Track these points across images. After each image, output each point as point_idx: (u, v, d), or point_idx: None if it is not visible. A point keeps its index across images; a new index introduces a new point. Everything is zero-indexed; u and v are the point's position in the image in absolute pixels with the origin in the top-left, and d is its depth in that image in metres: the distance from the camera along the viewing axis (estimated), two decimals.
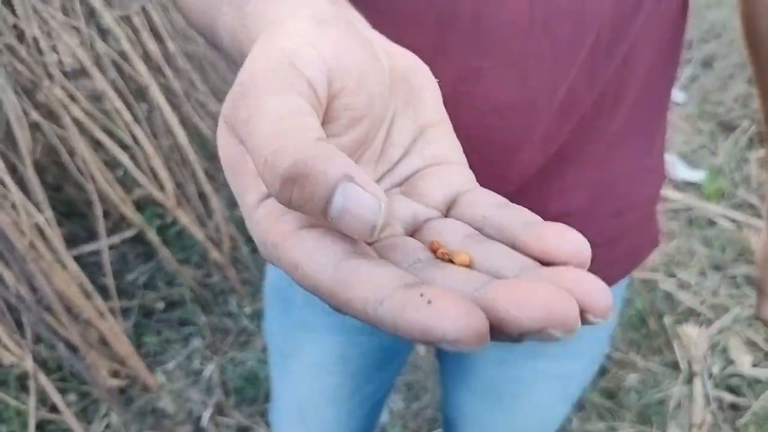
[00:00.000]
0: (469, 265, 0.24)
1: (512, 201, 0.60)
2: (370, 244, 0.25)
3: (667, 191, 2.32)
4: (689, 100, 2.82)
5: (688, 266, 2.00)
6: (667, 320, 1.83)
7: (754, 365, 1.69)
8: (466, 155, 0.52)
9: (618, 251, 0.68)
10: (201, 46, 1.97)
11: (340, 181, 0.21)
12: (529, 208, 0.60)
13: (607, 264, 0.68)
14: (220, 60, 2.06)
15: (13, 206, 1.43)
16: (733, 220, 2.15)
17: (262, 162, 0.22)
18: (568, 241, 0.24)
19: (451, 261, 0.25)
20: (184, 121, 1.84)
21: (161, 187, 1.75)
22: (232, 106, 0.25)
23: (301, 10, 0.28)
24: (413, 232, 0.28)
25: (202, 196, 1.92)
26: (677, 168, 2.44)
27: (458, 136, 0.53)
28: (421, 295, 0.20)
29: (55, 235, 1.51)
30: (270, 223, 0.24)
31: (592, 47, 0.52)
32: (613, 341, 1.79)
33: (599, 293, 0.21)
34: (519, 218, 0.26)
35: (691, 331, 1.77)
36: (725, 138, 2.52)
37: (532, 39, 0.49)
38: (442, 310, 0.19)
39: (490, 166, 0.56)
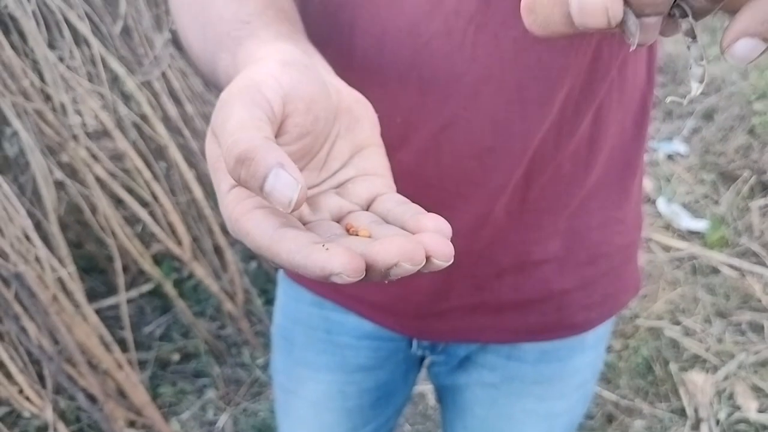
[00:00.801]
0: (369, 237, 0.33)
1: (493, 246, 0.66)
2: (305, 224, 0.35)
3: (671, 241, 2.37)
4: (692, 152, 2.89)
5: (693, 313, 2.03)
6: (673, 367, 1.86)
7: (761, 411, 1.70)
8: (449, 196, 0.59)
9: (594, 295, 0.73)
10: None
11: (274, 166, 0.29)
12: (511, 256, 0.66)
13: (585, 307, 0.73)
14: None
15: (38, 260, 1.51)
16: (737, 268, 2.19)
17: (225, 148, 0.31)
18: (433, 221, 0.33)
19: (356, 234, 0.34)
20: (201, 178, 1.93)
21: (179, 242, 1.82)
22: (214, 115, 0.34)
23: (273, 55, 0.38)
24: (339, 219, 0.37)
25: (217, 250, 1.99)
26: (681, 218, 2.49)
27: (441, 178, 0.60)
28: (324, 246, 0.29)
29: (77, 289, 1.58)
30: (234, 205, 0.33)
31: (561, 105, 0.59)
32: (620, 388, 1.82)
33: (442, 245, 0.31)
34: (410, 210, 0.35)
35: (697, 377, 1.79)
36: (727, 188, 2.58)
37: (503, 95, 0.56)
38: (334, 254, 0.28)
39: (472, 206, 0.63)
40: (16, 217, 1.47)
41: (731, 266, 2.20)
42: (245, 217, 0.32)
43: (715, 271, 2.21)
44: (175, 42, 1.80)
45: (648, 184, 2.72)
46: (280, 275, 0.86)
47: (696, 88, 0.29)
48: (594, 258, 0.71)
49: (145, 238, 2.00)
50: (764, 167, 2.53)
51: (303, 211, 0.36)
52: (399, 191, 0.60)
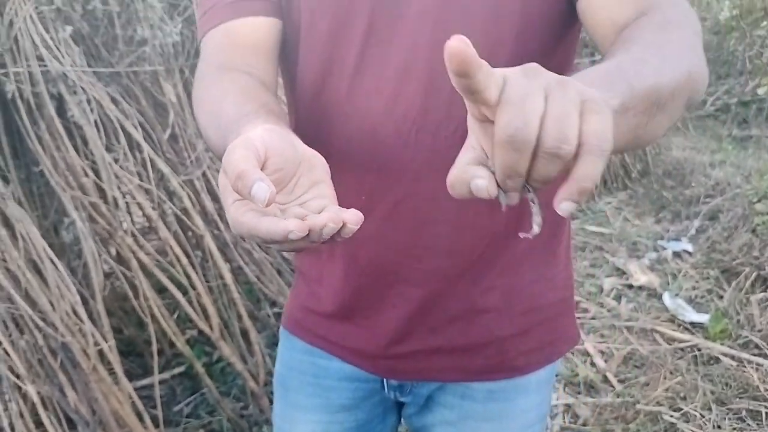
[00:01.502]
0: None
1: (444, 297, 0.83)
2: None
3: (675, 333, 2.47)
4: (698, 250, 3.03)
5: (693, 401, 2.11)
6: None
7: None
8: (405, 256, 0.78)
9: (531, 342, 0.89)
10: None
11: (256, 180, 0.48)
12: (461, 304, 0.84)
13: (523, 352, 0.89)
14: None
15: (83, 334, 1.71)
16: (737, 358, 2.27)
17: (229, 171, 0.50)
18: (351, 215, 0.52)
19: None
20: (233, 268, 2.15)
21: (209, 324, 2.01)
22: (224, 157, 0.54)
23: (260, 125, 0.59)
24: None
25: (244, 334, 2.17)
26: (685, 311, 2.60)
27: (398, 241, 0.78)
28: (285, 219, 0.50)
29: (116, 361, 1.77)
30: (235, 210, 0.52)
31: None
32: None
33: (353, 216, 0.51)
34: (340, 212, 0.53)
35: None
36: (730, 283, 2.69)
37: (440, 179, 0.76)
38: (290, 222, 0.48)
39: (424, 264, 0.81)
40: (67, 294, 1.69)
41: (732, 356, 2.29)
42: (242, 215, 0.51)
43: (716, 360, 2.29)
44: None
45: (655, 280, 2.85)
46: (281, 331, 1.04)
47: (536, 231, 0.48)
48: (529, 310, 0.88)
49: (180, 323, 2.20)
50: (765, 264, 2.64)
51: (276, 214, 0.56)
52: (366, 252, 0.80)
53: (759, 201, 3.02)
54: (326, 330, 0.93)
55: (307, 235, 0.49)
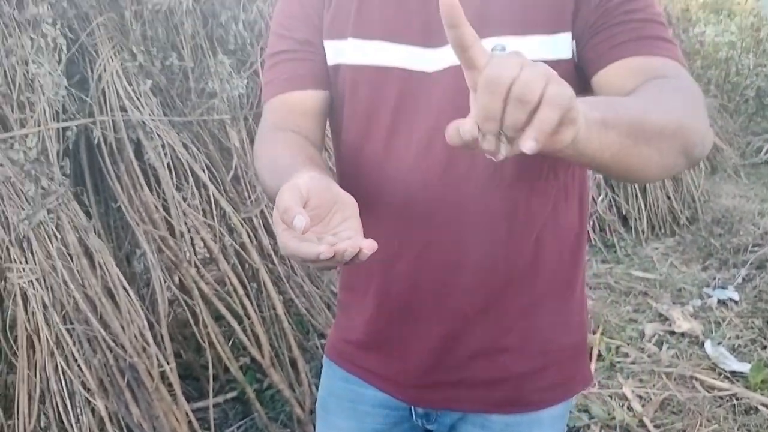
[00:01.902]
0: None
1: (467, 335, 0.95)
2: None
3: (715, 381, 2.49)
4: (743, 299, 3.03)
5: None
6: None
7: None
8: (433, 295, 0.92)
9: (545, 380, 0.99)
10: None
11: (296, 213, 0.64)
12: (483, 342, 0.97)
13: (538, 389, 1.00)
14: None
15: (148, 356, 1.88)
16: None
17: (278, 207, 0.66)
18: (366, 243, 0.68)
19: None
20: (285, 300, 2.30)
21: (261, 352, 2.16)
22: (276, 197, 0.69)
23: (305, 173, 0.74)
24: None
25: (293, 362, 2.31)
26: (727, 360, 2.62)
27: (428, 281, 0.91)
28: (318, 243, 0.68)
29: (176, 383, 1.94)
30: (284, 236, 0.67)
31: (506, 235, 0.90)
32: None
33: (367, 245, 0.67)
34: (359, 241, 0.69)
35: None
36: None
37: (466, 225, 0.89)
38: (321, 246, 0.66)
39: (451, 303, 0.93)
40: (136, 319, 1.87)
41: None
42: (288, 241, 0.67)
43: (755, 410, 2.31)
44: None
45: (697, 327, 2.87)
46: (324, 359, 1.17)
47: (502, 155, 0.58)
48: (544, 351, 0.99)
49: (234, 350, 2.36)
50: None
51: (314, 241, 0.70)
52: (397, 289, 0.93)
53: None
54: (362, 359, 1.06)
55: (333, 256, 0.65)
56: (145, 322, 1.88)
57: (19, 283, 1.75)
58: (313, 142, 0.95)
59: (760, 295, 3.00)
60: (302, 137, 0.92)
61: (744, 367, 2.55)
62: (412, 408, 1.06)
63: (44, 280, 1.77)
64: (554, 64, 0.81)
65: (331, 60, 0.95)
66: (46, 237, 1.76)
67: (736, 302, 3.05)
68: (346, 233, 0.72)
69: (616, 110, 0.64)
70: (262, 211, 2.27)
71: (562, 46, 0.83)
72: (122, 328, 1.84)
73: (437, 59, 0.87)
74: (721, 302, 3.08)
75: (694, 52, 6.21)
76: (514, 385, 0.99)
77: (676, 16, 5.79)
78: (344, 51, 0.93)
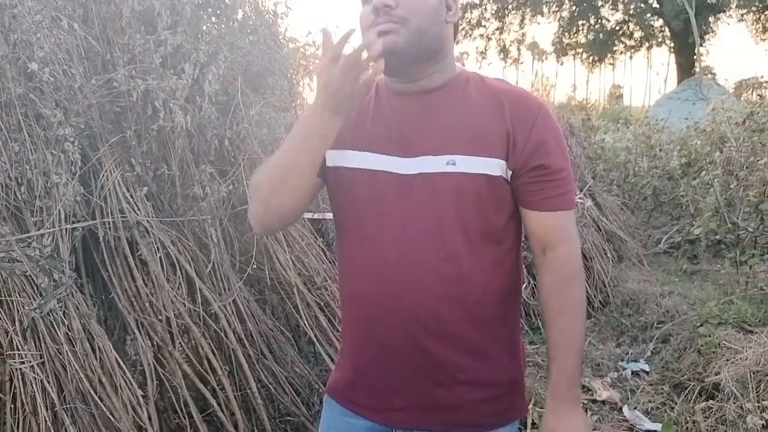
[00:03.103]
0: None
1: (434, 370, 1.31)
2: None
3: None
4: (653, 369, 3.47)
5: None
6: None
7: None
8: (404, 342, 1.27)
9: (492, 408, 1.30)
10: None
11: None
12: (442, 380, 1.33)
13: (487, 414, 1.30)
14: None
15: (139, 425, 2.09)
16: None
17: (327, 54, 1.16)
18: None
19: None
20: (256, 379, 2.55)
21: (236, 428, 2.39)
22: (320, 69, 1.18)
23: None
24: None
25: None
26: (642, 421, 3.00)
27: (401, 333, 1.25)
28: None
29: None
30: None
31: (458, 293, 1.26)
32: None
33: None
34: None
35: None
36: (679, 396, 3.11)
37: (427, 287, 1.24)
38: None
39: (416, 346, 1.27)
40: (130, 396, 2.09)
41: None
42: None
43: None
44: (248, 281, 2.55)
45: (616, 395, 3.27)
46: (325, 397, 1.45)
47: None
48: (491, 385, 1.31)
49: (211, 428, 2.56)
50: (705, 377, 3.08)
51: None
52: (374, 340, 1.31)
53: (701, 325, 3.50)
54: (351, 394, 1.35)
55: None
56: (141, 399, 2.10)
57: (20, 368, 1.96)
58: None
59: (666, 365, 3.44)
60: None
61: (657, 426, 2.93)
62: (393, 430, 1.35)
63: (44, 364, 1.98)
64: (492, 178, 1.21)
65: (333, 163, 1.30)
66: (54, 324, 2.00)
67: (647, 372, 3.48)
68: None
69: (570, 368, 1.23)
70: (234, 301, 2.56)
71: (497, 167, 1.21)
72: (115, 406, 2.06)
73: (411, 165, 1.24)
74: (635, 373, 3.50)
75: (597, 157, 7.00)
76: (468, 410, 1.29)
77: (578, 126, 6.57)
78: (343, 158, 1.29)
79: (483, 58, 27.70)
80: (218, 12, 2.51)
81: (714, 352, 3.12)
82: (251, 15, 2.65)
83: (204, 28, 2.35)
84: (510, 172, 1.23)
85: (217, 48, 2.30)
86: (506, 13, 25.36)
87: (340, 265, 1.37)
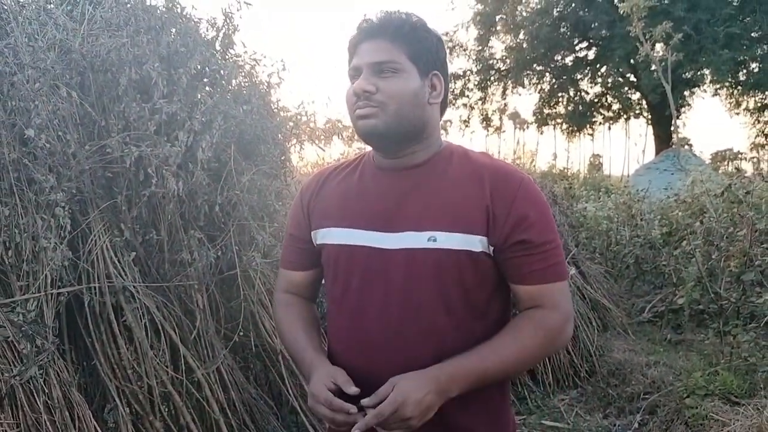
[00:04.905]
0: None
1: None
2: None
3: None
4: None
5: None
6: None
7: None
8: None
9: None
10: None
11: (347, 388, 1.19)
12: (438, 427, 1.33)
13: None
14: None
15: None
16: None
17: (316, 398, 1.19)
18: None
19: None
20: None
21: None
22: (311, 388, 1.16)
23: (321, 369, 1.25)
24: None
25: None
26: None
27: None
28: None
29: None
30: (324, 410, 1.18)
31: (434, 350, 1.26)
32: None
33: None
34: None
35: None
36: None
37: (409, 357, 1.24)
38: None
39: None
40: None
41: None
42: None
43: None
44: (233, 348, 2.52)
45: None
46: None
47: None
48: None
49: None
50: None
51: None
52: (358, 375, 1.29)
53: (688, 396, 3.49)
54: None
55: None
56: None
57: None
58: (308, 299, 1.42)
59: None
60: (305, 301, 1.40)
61: None
62: None
63: None
64: (473, 254, 1.24)
65: (320, 241, 1.36)
66: (33, 392, 1.95)
67: None
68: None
69: (495, 361, 1.21)
70: (218, 368, 2.52)
71: (477, 243, 1.24)
72: None
73: (393, 240, 1.27)
74: None
75: (579, 225, 7.07)
76: None
77: (561, 195, 6.67)
78: (330, 235, 1.34)
79: (466, 126, 28.22)
80: (213, 82, 2.57)
81: (702, 425, 3.11)
82: (245, 85, 2.71)
83: (199, 96, 2.39)
84: (492, 248, 1.25)
85: (212, 116, 2.34)
86: (489, 84, 26.05)
87: (328, 324, 1.40)
